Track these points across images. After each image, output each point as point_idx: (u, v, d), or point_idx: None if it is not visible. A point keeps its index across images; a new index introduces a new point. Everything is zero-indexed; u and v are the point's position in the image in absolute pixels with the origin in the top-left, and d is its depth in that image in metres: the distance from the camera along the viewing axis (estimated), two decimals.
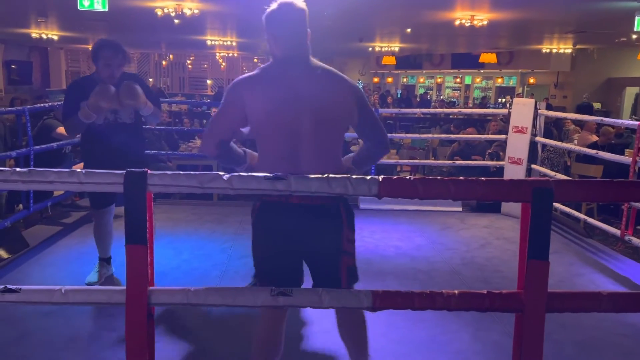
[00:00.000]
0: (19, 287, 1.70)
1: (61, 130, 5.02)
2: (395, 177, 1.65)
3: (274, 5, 1.97)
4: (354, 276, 2.05)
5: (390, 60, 16.57)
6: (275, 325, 2.07)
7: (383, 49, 14.96)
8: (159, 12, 8.49)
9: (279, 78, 1.93)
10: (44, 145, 4.59)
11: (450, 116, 11.59)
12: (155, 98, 3.33)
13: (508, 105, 6.10)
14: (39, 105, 4.95)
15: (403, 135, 9.50)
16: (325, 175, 1.67)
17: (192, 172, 1.68)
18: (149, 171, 1.66)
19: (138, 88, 3.06)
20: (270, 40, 1.99)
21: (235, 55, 18.95)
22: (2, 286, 1.69)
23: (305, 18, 1.98)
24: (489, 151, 6.83)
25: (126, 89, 3.03)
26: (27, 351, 2.66)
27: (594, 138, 7.26)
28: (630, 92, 15.53)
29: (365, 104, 2.05)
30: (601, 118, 5.22)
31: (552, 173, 5.41)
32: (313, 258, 2.02)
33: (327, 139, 1.96)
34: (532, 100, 5.69)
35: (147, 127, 7.13)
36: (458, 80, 19.96)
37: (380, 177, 1.64)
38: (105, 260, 3.49)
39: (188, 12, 8.38)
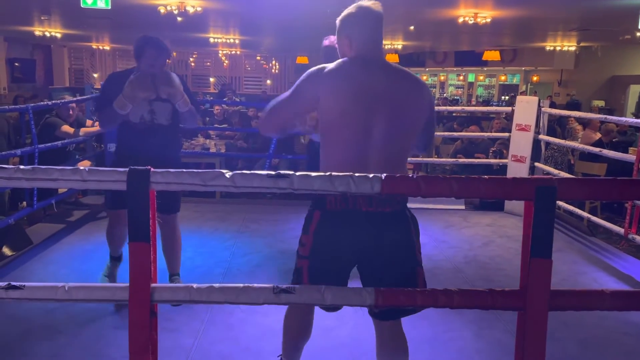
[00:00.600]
0: (23, 284, 1.71)
1: (65, 128, 5.04)
2: (398, 174, 1.65)
3: (351, 8, 1.95)
4: (424, 284, 1.96)
5: (393, 58, 16.52)
6: (308, 312, 2.08)
7: (386, 47, 14.92)
8: (162, 10, 8.49)
9: (356, 75, 1.86)
10: (49, 144, 4.60)
11: (454, 114, 11.55)
12: (193, 98, 3.19)
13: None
14: (42, 103, 4.96)
15: None
16: (328, 173, 1.67)
17: (194, 170, 1.68)
18: (152, 169, 1.66)
19: (176, 78, 2.96)
20: (344, 41, 1.97)
21: (238, 53, 18.94)
22: (6, 283, 1.70)
23: (382, 21, 1.96)
24: (492, 149, 6.82)
25: (164, 75, 2.91)
26: (31, 348, 2.67)
27: (598, 136, 7.24)
28: (634, 90, 15.47)
29: (434, 110, 2.02)
30: (605, 116, 5.21)
31: (556, 171, 5.40)
32: (386, 273, 1.87)
33: (399, 141, 1.89)
34: (536, 98, 5.67)
35: None
36: (461, 78, 19.91)
37: (383, 175, 1.64)
38: (116, 259, 3.47)
39: (191, 10, 8.38)
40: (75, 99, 5.77)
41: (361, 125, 1.83)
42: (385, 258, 1.87)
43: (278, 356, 2.24)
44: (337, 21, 1.98)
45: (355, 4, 1.95)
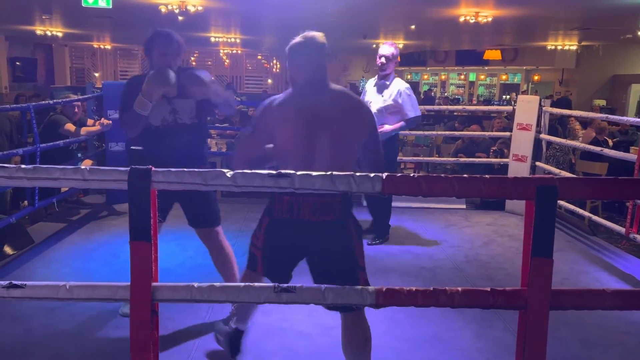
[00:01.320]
0: (24, 283, 1.71)
1: (69, 126, 5.04)
2: (399, 174, 1.65)
3: (299, 38, 2.16)
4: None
5: None
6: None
7: None
8: (163, 9, 8.49)
9: (301, 101, 2.11)
10: (50, 143, 4.60)
11: (455, 113, 11.55)
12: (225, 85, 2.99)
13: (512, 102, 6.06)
14: (44, 102, 4.96)
15: (407, 132, 9.47)
16: (329, 172, 1.67)
17: (196, 170, 1.68)
18: (153, 168, 1.66)
19: (204, 74, 2.79)
20: (293, 68, 2.17)
21: (239, 52, 18.94)
22: (7, 282, 1.70)
23: (325, 50, 2.17)
24: (493, 148, 6.82)
25: (191, 75, 2.76)
26: (32, 347, 2.67)
27: (604, 136, 7.24)
28: (635, 90, 15.45)
29: (375, 129, 2.20)
30: (606, 115, 5.20)
31: (557, 170, 5.39)
32: (328, 275, 2.02)
33: (341, 157, 2.08)
34: (537, 98, 5.67)
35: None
36: (462, 77, 19.90)
37: (384, 175, 1.64)
38: None
39: (192, 9, 8.38)
40: (79, 97, 5.77)
41: (306, 145, 2.06)
42: (326, 261, 2.09)
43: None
44: (287, 49, 2.18)
45: (302, 35, 2.17)
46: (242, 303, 2.36)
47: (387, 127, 4.29)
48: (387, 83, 4.40)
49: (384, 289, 1.71)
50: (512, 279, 3.67)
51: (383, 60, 4.37)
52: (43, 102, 4.99)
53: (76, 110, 5.30)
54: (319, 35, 2.17)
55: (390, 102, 4.33)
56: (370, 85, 4.56)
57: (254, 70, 20.92)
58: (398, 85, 4.39)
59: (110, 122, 5.20)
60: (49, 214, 5.19)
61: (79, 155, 5.81)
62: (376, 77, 4.52)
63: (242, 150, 2.29)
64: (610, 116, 5.07)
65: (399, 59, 4.57)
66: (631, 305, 1.82)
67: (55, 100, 5.14)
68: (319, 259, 2.11)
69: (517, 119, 5.54)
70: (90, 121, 5.43)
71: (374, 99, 4.40)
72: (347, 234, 2.08)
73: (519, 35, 13.05)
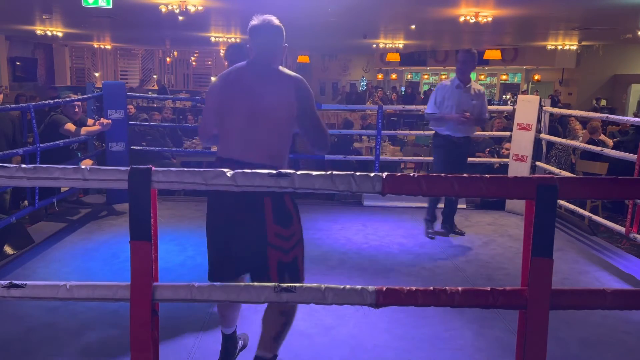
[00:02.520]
0: (24, 282, 1.71)
1: (69, 126, 5.04)
2: (399, 174, 1.65)
3: (256, 20, 2.29)
4: (290, 273, 2.19)
5: (394, 57, 16.52)
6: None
7: (387, 46, 14.92)
8: (163, 9, 8.49)
9: (241, 78, 2.25)
10: (50, 143, 4.60)
11: None
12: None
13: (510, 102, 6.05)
14: (44, 102, 4.96)
15: (407, 132, 9.49)
16: (329, 172, 1.67)
17: (196, 169, 1.68)
18: (153, 168, 1.66)
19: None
20: (251, 47, 2.29)
21: None
22: (8, 282, 1.70)
23: (281, 33, 2.30)
24: (488, 149, 6.82)
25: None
26: (32, 346, 2.67)
27: (599, 135, 7.24)
28: (635, 89, 15.44)
29: (307, 103, 2.24)
30: (607, 115, 5.20)
31: (557, 170, 5.39)
32: (240, 245, 2.20)
33: (270, 133, 2.20)
34: (537, 97, 5.67)
35: (151, 124, 7.17)
36: None
37: (384, 174, 1.64)
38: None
39: (192, 9, 8.38)
40: (79, 97, 5.77)
41: (239, 119, 2.19)
42: (240, 233, 2.20)
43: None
44: (248, 29, 2.30)
45: (260, 17, 2.30)
46: (223, 305, 2.46)
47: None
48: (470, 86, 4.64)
49: (384, 289, 1.71)
50: (512, 279, 3.67)
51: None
52: (43, 102, 4.98)
53: (76, 110, 5.30)
54: (273, 19, 2.30)
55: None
56: (451, 90, 4.60)
57: None
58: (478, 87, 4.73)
59: (110, 121, 5.20)
60: (49, 214, 5.20)
61: (79, 154, 5.81)
62: (453, 80, 4.64)
63: (202, 125, 2.44)
64: (610, 116, 5.07)
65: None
66: (631, 305, 1.82)
67: (55, 100, 5.14)
68: (237, 231, 2.21)
69: (517, 118, 5.54)
70: (90, 121, 5.43)
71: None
72: (261, 211, 2.14)
73: (519, 35, 13.05)
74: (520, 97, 5.86)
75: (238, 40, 14.92)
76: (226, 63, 3.10)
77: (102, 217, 5.03)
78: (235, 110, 2.20)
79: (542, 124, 5.44)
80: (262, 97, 2.18)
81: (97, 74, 19.21)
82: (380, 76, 20.69)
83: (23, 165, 1.67)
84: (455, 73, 4.65)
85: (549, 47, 14.72)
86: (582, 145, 6.13)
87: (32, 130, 4.41)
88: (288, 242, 2.19)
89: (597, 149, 4.98)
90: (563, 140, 6.05)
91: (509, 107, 6.84)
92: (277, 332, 2.25)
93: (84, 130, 5.11)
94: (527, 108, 5.49)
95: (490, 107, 5.09)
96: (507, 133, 5.98)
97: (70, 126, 5.03)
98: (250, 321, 3.00)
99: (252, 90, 2.20)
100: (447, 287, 1.69)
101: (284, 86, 2.22)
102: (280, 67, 2.28)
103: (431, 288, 1.69)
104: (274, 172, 1.67)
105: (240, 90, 2.22)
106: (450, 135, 4.54)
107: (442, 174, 1.63)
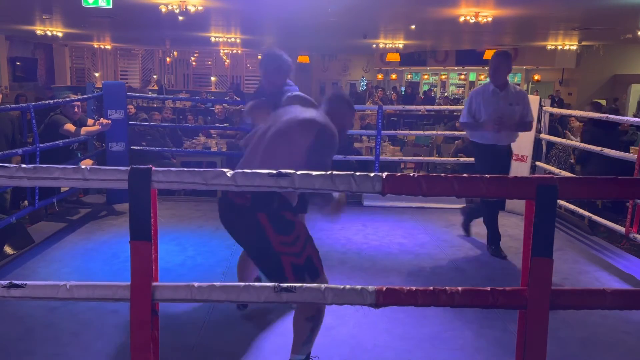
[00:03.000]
0: (24, 282, 1.71)
1: (69, 126, 5.04)
2: (399, 174, 1.65)
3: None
4: (309, 273, 2.27)
5: (394, 57, 16.51)
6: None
7: (387, 46, 14.91)
8: (163, 9, 8.49)
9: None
10: (50, 143, 4.60)
11: (455, 113, 11.55)
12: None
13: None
14: (44, 102, 4.96)
15: (407, 132, 9.49)
16: (329, 172, 1.68)
17: (196, 169, 1.68)
18: (153, 168, 1.66)
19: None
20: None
21: (239, 52, 18.94)
22: (8, 282, 1.71)
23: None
24: None
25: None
26: (33, 346, 2.67)
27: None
28: (635, 89, 15.44)
29: (318, 141, 2.31)
30: (606, 115, 5.20)
31: (557, 170, 5.39)
32: (252, 255, 2.43)
33: (276, 155, 2.31)
34: (537, 97, 5.66)
35: (151, 124, 7.17)
36: (462, 77, 19.89)
37: (384, 174, 1.64)
38: None
39: (192, 9, 8.38)
40: (79, 97, 5.77)
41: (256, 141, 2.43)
42: (245, 242, 2.42)
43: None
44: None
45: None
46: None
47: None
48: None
49: (384, 289, 1.71)
50: (512, 279, 3.67)
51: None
52: (43, 102, 4.98)
53: (76, 110, 5.31)
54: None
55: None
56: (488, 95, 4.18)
57: (254, 70, 20.91)
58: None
59: (110, 121, 5.20)
60: (49, 214, 5.20)
61: (79, 155, 5.81)
62: (488, 85, 4.20)
63: None
64: (610, 116, 5.07)
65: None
66: (631, 305, 1.82)
67: (55, 100, 5.14)
68: (239, 239, 2.42)
69: None
70: (90, 121, 5.43)
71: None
72: (260, 227, 2.24)
73: (519, 35, 13.04)
74: None
75: (238, 41, 14.93)
76: (261, 72, 3.18)
77: (102, 217, 5.03)
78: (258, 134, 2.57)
79: (542, 124, 5.43)
80: (277, 127, 2.50)
81: (97, 74, 19.20)
82: (380, 76, 20.68)
83: (23, 165, 1.67)
84: (489, 78, 4.25)
85: (549, 47, 14.71)
86: (582, 145, 6.12)
87: (32, 130, 4.42)
88: (296, 246, 2.26)
89: (597, 149, 4.97)
90: (563, 140, 6.05)
91: None
92: (306, 337, 2.32)
93: (83, 130, 5.11)
94: None
95: None
96: None
97: (70, 126, 5.03)
98: (252, 322, 3.00)
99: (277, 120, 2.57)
100: (447, 287, 1.69)
101: (302, 121, 2.49)
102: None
103: (431, 288, 1.69)
104: (274, 172, 1.67)
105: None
106: (495, 144, 4.12)
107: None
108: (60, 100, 5.19)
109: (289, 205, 2.31)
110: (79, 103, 5.40)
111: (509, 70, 4.16)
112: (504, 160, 4.23)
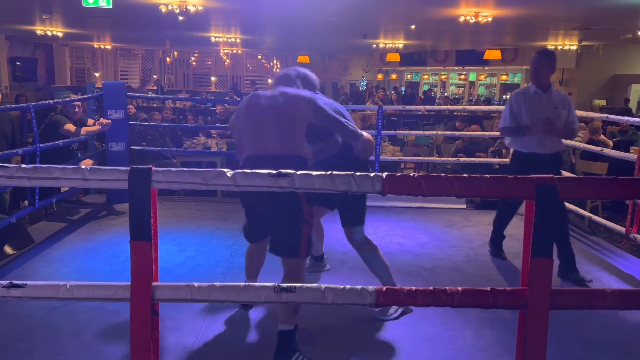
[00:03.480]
0: (25, 282, 1.71)
1: (69, 126, 5.04)
2: (399, 174, 1.65)
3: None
4: (311, 246, 2.62)
5: (394, 57, 16.52)
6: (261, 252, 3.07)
7: (387, 46, 14.91)
8: (163, 9, 8.49)
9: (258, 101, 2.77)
10: (50, 143, 4.60)
11: (455, 113, 11.55)
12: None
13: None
14: (44, 102, 4.96)
15: (407, 132, 9.49)
16: (329, 172, 1.68)
17: (196, 169, 1.68)
18: (153, 168, 1.66)
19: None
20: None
21: (239, 52, 18.94)
22: (8, 282, 1.71)
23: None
24: (492, 148, 6.81)
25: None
26: (33, 346, 2.67)
27: (599, 136, 7.25)
28: (635, 89, 15.44)
29: (320, 113, 2.69)
30: (606, 115, 5.20)
31: None
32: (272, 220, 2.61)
33: (285, 133, 2.62)
34: None
35: (151, 124, 7.17)
36: (462, 77, 19.90)
37: (384, 174, 1.64)
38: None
39: (192, 9, 8.38)
40: (79, 97, 5.77)
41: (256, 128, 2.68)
42: (273, 204, 2.52)
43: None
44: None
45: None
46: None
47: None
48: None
49: (384, 289, 1.71)
50: (512, 279, 3.67)
51: None
52: (43, 102, 4.98)
53: (76, 110, 5.31)
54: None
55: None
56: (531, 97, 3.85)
57: (254, 70, 20.92)
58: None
59: (110, 121, 5.20)
60: (49, 214, 5.20)
61: (79, 155, 5.81)
62: (530, 87, 3.89)
63: None
64: (610, 116, 5.07)
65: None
66: (631, 305, 1.83)
67: (55, 100, 5.14)
68: (269, 204, 2.52)
69: None
70: (90, 121, 5.43)
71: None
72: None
73: (519, 35, 13.05)
74: None
75: (238, 41, 14.94)
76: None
77: (102, 217, 5.03)
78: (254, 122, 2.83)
79: None
80: (276, 110, 2.77)
81: (97, 74, 19.20)
82: (380, 76, 20.69)
83: (23, 165, 1.67)
84: (531, 80, 3.92)
85: (549, 47, 14.71)
86: (582, 145, 6.13)
87: (32, 130, 4.42)
88: (312, 220, 2.59)
89: (597, 149, 4.98)
90: (562, 140, 6.04)
91: None
92: (294, 307, 2.45)
93: (83, 130, 5.12)
94: None
95: (490, 107, 5.03)
96: None
97: (70, 126, 5.03)
98: (252, 322, 3.00)
99: (268, 107, 2.79)
100: (447, 288, 1.69)
101: (295, 101, 2.78)
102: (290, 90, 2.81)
103: (431, 288, 1.70)
104: (273, 172, 1.67)
105: (257, 108, 2.83)
106: (535, 152, 3.77)
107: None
108: (60, 100, 5.19)
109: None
110: (79, 103, 5.41)
111: (552, 71, 3.83)
112: (550, 170, 3.53)
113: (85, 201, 5.60)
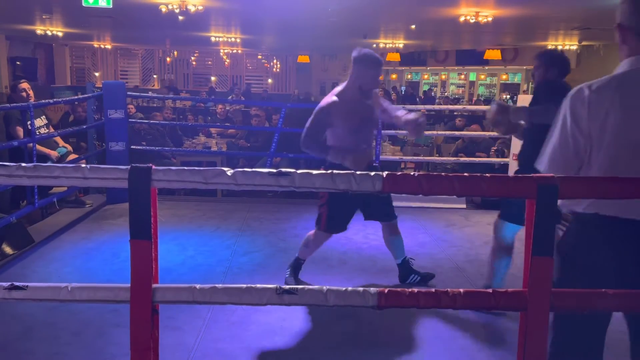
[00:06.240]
0: (26, 284, 1.71)
1: (19, 131, 4.89)
2: (399, 173, 1.65)
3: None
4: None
5: (394, 57, 16.51)
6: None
7: (387, 46, 14.91)
8: (163, 9, 8.48)
9: None
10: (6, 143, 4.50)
11: (455, 113, 11.54)
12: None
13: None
14: (44, 101, 4.94)
15: (407, 132, 9.46)
16: (329, 171, 1.68)
17: (196, 168, 1.68)
18: (153, 166, 1.66)
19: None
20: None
21: (239, 51, 18.94)
22: (9, 283, 1.70)
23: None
24: (494, 148, 6.81)
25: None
26: (32, 346, 2.67)
27: None
28: None
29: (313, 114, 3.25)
30: None
31: None
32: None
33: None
34: None
35: (151, 122, 7.18)
36: (462, 77, 19.89)
37: (384, 173, 1.64)
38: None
39: (192, 9, 8.38)
40: (79, 97, 5.76)
41: None
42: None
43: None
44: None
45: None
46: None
47: None
48: None
49: (386, 291, 1.71)
50: (513, 279, 3.66)
51: None
52: (43, 101, 4.97)
53: (23, 94, 4.97)
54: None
55: None
56: None
57: (254, 70, 20.91)
58: None
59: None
60: (48, 214, 5.19)
61: (65, 150, 5.52)
62: None
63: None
64: None
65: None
66: (631, 305, 1.82)
67: (55, 99, 5.14)
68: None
69: None
70: (69, 146, 5.32)
71: None
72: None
73: (519, 35, 13.04)
74: (521, 97, 5.86)
75: (238, 41, 14.94)
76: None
77: (102, 216, 5.03)
78: None
79: None
80: None
81: (97, 74, 19.20)
82: (380, 76, 20.67)
83: (23, 164, 1.67)
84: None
85: (549, 47, 14.70)
86: None
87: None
88: None
89: None
90: None
91: None
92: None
93: (45, 150, 4.92)
94: None
95: (490, 107, 5.00)
96: None
97: (20, 130, 4.83)
98: (253, 322, 3.00)
99: None
100: (448, 289, 1.69)
101: None
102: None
103: (433, 290, 1.69)
104: (274, 171, 1.67)
105: None
106: None
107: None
108: (60, 100, 5.19)
109: None
110: (27, 86, 5.07)
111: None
112: None
113: (85, 201, 5.60)
